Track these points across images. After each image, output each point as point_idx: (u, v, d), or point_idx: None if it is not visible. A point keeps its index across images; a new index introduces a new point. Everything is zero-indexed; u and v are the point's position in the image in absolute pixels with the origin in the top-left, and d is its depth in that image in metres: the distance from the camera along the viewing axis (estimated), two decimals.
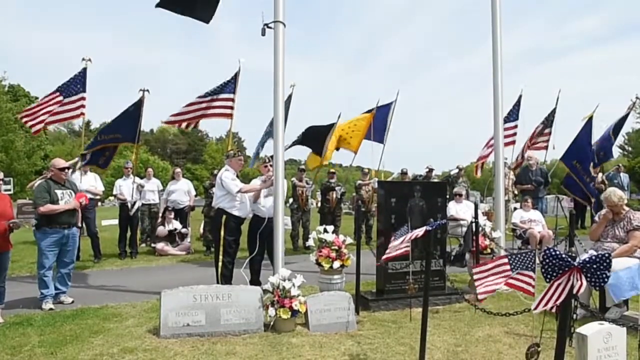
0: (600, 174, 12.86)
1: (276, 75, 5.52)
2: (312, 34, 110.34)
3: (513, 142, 11.50)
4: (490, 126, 7.21)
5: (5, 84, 34.62)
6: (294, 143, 9.42)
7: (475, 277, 3.78)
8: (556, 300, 2.82)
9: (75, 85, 8.77)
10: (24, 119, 9.11)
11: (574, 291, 2.84)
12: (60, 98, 8.80)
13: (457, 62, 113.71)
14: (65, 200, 5.83)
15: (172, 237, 10.04)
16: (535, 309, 2.91)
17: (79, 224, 6.62)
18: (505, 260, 3.60)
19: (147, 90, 8.67)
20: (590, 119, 10.21)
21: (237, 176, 6.38)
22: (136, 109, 8.66)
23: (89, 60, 8.91)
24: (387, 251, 4.99)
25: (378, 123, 10.45)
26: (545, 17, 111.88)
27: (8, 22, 79.46)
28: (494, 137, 7.23)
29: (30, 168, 33.13)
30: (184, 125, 8.86)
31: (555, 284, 2.89)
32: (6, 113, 30.64)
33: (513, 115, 11.37)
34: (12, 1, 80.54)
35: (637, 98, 12.93)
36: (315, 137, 9.23)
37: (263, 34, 5.51)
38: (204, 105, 8.51)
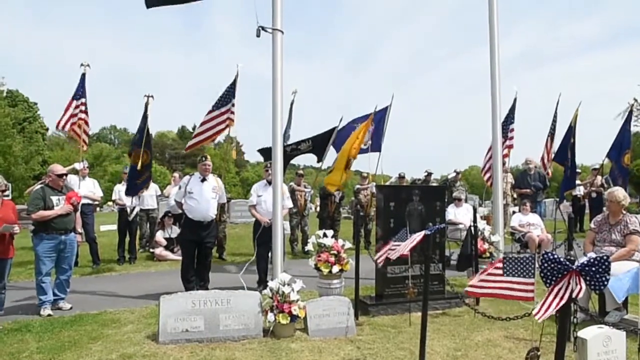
0: (599, 177, 12.88)
1: (275, 82, 5.54)
2: (310, 37, 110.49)
3: (511, 146, 11.47)
4: (488, 130, 7.24)
5: (4, 89, 34.63)
6: (296, 153, 9.37)
7: (475, 277, 3.79)
8: (557, 305, 2.83)
9: (77, 90, 8.83)
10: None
11: (573, 295, 2.84)
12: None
13: (455, 65, 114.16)
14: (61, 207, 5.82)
15: (170, 243, 10.02)
16: (537, 314, 2.91)
17: (79, 230, 6.60)
18: (499, 265, 3.60)
19: (152, 96, 8.62)
20: (575, 118, 10.22)
21: (205, 179, 6.54)
22: (144, 117, 8.60)
23: (88, 65, 8.91)
24: (387, 249, 5.01)
25: (375, 131, 10.46)
26: (543, 20, 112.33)
27: (6, 27, 79.56)
28: (492, 141, 7.25)
29: (28, 173, 33.09)
30: (206, 143, 8.85)
31: (555, 288, 2.89)
32: (4, 118, 30.62)
33: (510, 118, 11.36)
34: (10, 6, 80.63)
35: (635, 101, 12.88)
36: (319, 144, 9.23)
37: (258, 35, 5.51)
38: (216, 121, 8.47)
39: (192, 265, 6.54)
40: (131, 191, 8.59)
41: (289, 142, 9.51)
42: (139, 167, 8.01)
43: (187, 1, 5.80)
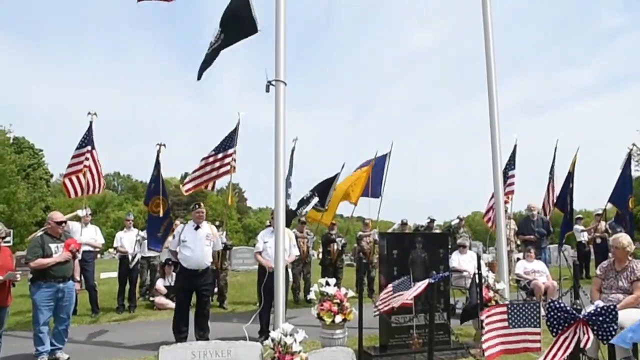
0: (603, 222, 12.82)
1: (277, 132, 5.62)
2: (311, 84, 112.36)
3: (512, 192, 11.51)
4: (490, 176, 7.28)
5: (10, 136, 35.18)
6: (304, 204, 9.48)
7: (483, 329, 3.71)
8: (562, 355, 2.76)
9: (83, 139, 9.00)
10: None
11: (581, 345, 2.79)
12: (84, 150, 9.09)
13: (457, 113, 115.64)
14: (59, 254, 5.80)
15: (171, 291, 9.88)
16: None
17: (77, 277, 6.54)
18: (505, 315, 3.53)
19: (164, 145, 8.70)
20: (573, 164, 10.34)
21: (198, 226, 6.56)
22: (157, 166, 8.68)
23: (95, 114, 9.09)
24: (386, 299, 4.93)
25: (375, 177, 10.58)
26: (542, 68, 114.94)
27: (12, 75, 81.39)
28: (493, 188, 7.28)
29: (30, 219, 33.10)
30: (204, 187, 8.83)
31: (562, 337, 2.84)
32: (10, 165, 31.00)
33: (511, 165, 11.45)
34: (15, 54, 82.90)
35: (634, 145, 12.98)
36: (323, 190, 9.34)
37: (267, 90, 5.66)
38: (216, 165, 8.52)
39: (186, 316, 6.41)
40: (155, 245, 8.52)
41: (298, 202, 9.66)
42: (161, 213, 8.02)
43: (217, 54, 6.01)
